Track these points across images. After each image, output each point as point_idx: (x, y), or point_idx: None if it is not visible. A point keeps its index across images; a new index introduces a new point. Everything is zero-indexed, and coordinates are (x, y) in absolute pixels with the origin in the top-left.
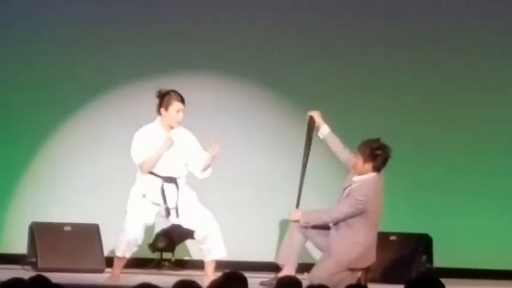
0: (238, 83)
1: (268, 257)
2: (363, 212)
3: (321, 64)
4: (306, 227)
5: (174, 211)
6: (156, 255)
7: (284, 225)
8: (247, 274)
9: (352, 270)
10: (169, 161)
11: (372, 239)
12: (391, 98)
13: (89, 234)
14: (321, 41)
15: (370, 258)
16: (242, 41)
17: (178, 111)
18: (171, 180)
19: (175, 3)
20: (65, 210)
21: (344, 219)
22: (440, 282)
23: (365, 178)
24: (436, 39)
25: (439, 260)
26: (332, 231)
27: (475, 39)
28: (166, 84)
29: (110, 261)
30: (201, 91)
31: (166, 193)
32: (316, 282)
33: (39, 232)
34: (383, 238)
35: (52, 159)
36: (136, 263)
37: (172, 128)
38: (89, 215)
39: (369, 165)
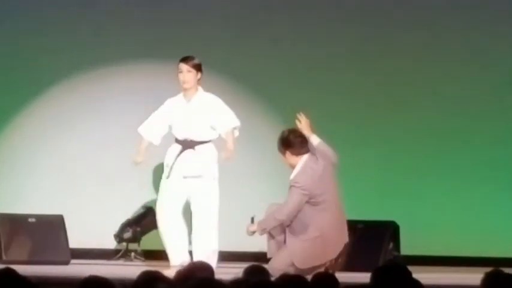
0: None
1: (235, 247)
2: (310, 197)
3: (264, 44)
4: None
5: (192, 178)
6: (121, 246)
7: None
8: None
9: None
10: (186, 124)
11: (329, 230)
12: (352, 82)
13: (54, 225)
14: (264, 21)
15: (330, 254)
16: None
17: (181, 72)
18: (189, 144)
19: None
20: (29, 201)
21: (296, 211)
22: (406, 269)
23: (296, 166)
24: (382, 14)
25: (406, 248)
26: (287, 229)
27: (425, 12)
28: (132, 71)
29: (75, 253)
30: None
31: (184, 159)
32: (275, 274)
33: (3, 224)
34: (350, 226)
35: (14, 149)
36: (101, 254)
37: (185, 90)
38: (53, 205)
39: (290, 155)
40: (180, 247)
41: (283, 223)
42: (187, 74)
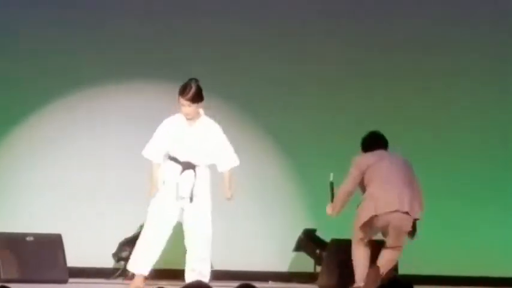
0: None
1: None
2: (361, 176)
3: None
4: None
5: (187, 199)
6: (119, 265)
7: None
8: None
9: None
10: (189, 147)
11: (372, 193)
12: (362, 101)
13: (52, 244)
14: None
15: (370, 211)
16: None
17: (182, 105)
18: (190, 166)
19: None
20: (27, 219)
21: (351, 182)
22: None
23: None
24: (388, 30)
25: (404, 267)
26: None
27: (434, 23)
28: (132, 90)
29: (73, 272)
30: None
31: (183, 180)
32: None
33: (0, 243)
34: (346, 245)
35: (12, 167)
36: (99, 273)
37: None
38: (51, 224)
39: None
40: (152, 260)
41: (346, 192)
42: (188, 107)
